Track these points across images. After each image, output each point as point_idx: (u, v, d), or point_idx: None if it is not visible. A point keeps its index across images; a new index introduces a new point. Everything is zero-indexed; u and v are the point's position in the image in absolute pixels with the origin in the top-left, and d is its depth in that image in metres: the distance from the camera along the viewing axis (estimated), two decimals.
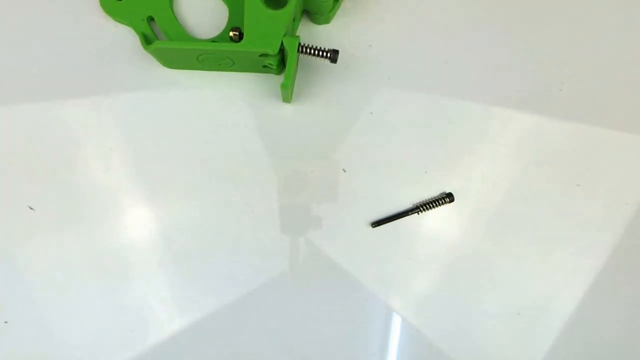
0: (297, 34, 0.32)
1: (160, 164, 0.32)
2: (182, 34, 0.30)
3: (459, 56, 0.33)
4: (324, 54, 0.29)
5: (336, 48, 0.29)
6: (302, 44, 0.28)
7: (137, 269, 0.31)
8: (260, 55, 0.28)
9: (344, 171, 0.32)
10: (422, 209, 0.32)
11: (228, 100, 0.32)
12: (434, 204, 0.32)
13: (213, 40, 0.30)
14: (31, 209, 0.31)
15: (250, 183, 0.32)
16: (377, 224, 0.32)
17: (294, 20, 0.30)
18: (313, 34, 0.32)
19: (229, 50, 0.28)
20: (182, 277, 0.32)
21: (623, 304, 0.33)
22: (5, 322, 0.31)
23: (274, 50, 0.28)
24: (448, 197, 0.32)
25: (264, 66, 0.30)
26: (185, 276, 0.32)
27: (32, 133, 0.31)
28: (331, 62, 0.29)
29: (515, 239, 0.33)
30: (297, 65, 0.30)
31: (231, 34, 0.29)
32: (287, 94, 0.30)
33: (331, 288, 0.32)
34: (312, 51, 0.29)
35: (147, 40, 0.30)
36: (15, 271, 0.31)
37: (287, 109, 0.32)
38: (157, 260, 0.31)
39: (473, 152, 0.33)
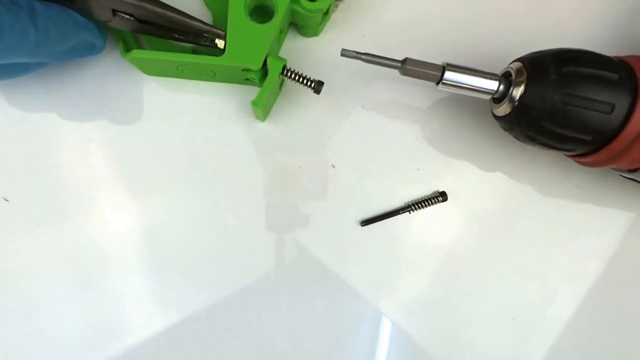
0: (284, 46, 0.31)
1: (142, 159, 0.31)
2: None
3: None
4: (309, 83, 0.28)
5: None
6: (287, 68, 0.27)
7: (114, 268, 0.31)
8: (242, 70, 0.27)
9: (333, 167, 0.31)
10: (413, 207, 0.31)
11: (215, 96, 0.31)
12: (427, 203, 0.31)
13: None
14: (6, 200, 0.30)
15: (235, 179, 0.31)
16: (366, 222, 0.31)
17: (280, 32, 0.29)
18: (300, 47, 0.31)
19: (209, 64, 0.27)
20: (161, 277, 0.31)
21: (621, 311, 0.33)
22: None
23: (256, 66, 0.27)
24: (441, 196, 0.31)
25: (247, 79, 0.29)
26: (164, 276, 0.31)
27: (8, 123, 0.30)
28: (315, 92, 0.28)
29: (511, 240, 0.32)
30: (278, 89, 0.30)
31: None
32: (258, 112, 0.29)
33: (318, 289, 0.32)
34: (297, 77, 0.28)
35: (126, 47, 0.28)
36: None
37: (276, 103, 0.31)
38: (136, 259, 0.31)
39: (468, 150, 0.32)
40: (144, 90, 0.31)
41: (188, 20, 0.26)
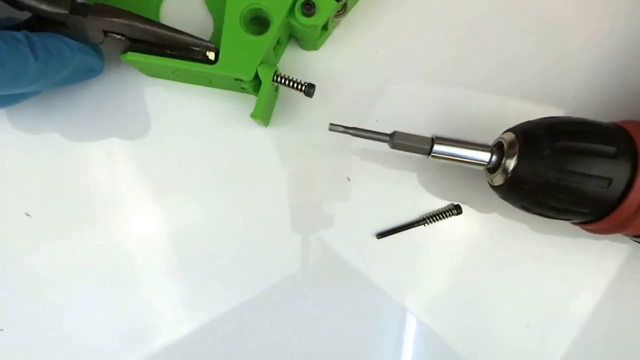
0: (282, 57, 0.32)
1: (161, 167, 0.32)
2: None
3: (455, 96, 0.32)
4: (300, 86, 0.28)
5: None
6: (278, 74, 0.28)
7: (141, 274, 0.32)
8: (235, 79, 0.28)
9: (349, 180, 0.32)
10: (428, 221, 0.31)
11: (227, 102, 0.32)
12: (441, 216, 0.31)
13: None
14: (27, 215, 0.31)
15: (255, 183, 0.32)
16: (382, 235, 0.31)
17: (279, 43, 0.30)
18: (299, 58, 0.32)
19: (201, 71, 0.28)
20: (188, 280, 0.32)
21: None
22: (1, 330, 0.31)
23: (247, 77, 0.27)
24: (456, 209, 0.31)
25: (242, 88, 0.30)
26: (191, 279, 0.32)
27: (28, 137, 0.31)
28: (306, 95, 0.28)
29: (530, 242, 0.32)
30: (274, 92, 0.30)
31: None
32: (258, 121, 0.29)
33: (342, 290, 0.32)
34: (288, 82, 0.28)
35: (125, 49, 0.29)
36: (11, 280, 0.31)
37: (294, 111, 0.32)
38: (161, 264, 0.32)
39: None
40: (151, 101, 0.32)
41: (178, 35, 0.27)
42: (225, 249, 0.32)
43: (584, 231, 0.31)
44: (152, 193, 0.32)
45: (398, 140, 0.26)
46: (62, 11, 0.25)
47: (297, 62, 0.32)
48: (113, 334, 0.31)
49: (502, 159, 0.25)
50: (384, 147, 0.31)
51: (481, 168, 0.26)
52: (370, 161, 0.32)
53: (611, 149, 0.23)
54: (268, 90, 0.28)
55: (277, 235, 0.32)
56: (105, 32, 0.27)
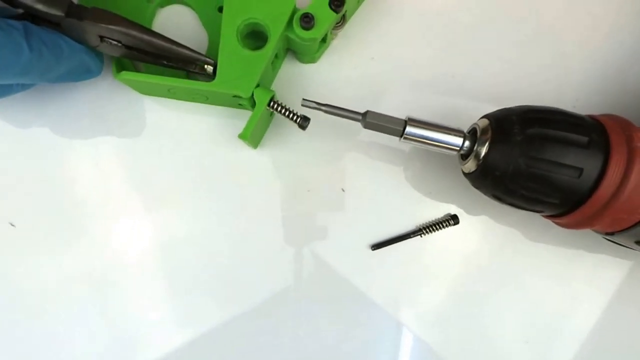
0: (280, 71, 0.31)
1: (156, 177, 0.31)
2: None
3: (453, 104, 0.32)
4: (295, 118, 0.28)
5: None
6: (274, 100, 0.27)
7: (130, 287, 0.31)
8: (233, 96, 0.27)
9: (343, 191, 0.32)
10: (425, 231, 0.31)
11: (228, 115, 0.31)
12: (438, 227, 0.31)
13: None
14: (12, 225, 0.31)
15: (249, 197, 0.32)
16: (377, 246, 0.31)
17: (276, 57, 0.29)
18: (297, 72, 0.32)
19: (198, 89, 0.27)
20: (180, 294, 0.31)
21: None
22: None
23: (246, 94, 0.27)
24: (453, 220, 0.31)
25: (240, 104, 0.29)
26: (183, 292, 0.31)
27: (13, 145, 0.31)
28: (300, 128, 0.28)
29: (528, 254, 0.32)
30: (269, 116, 0.30)
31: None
32: (249, 143, 0.29)
33: (335, 303, 0.32)
34: (283, 111, 0.28)
35: (119, 68, 0.28)
36: None
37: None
38: (152, 277, 0.31)
39: None
40: (145, 111, 0.31)
41: (175, 47, 0.27)
42: (218, 261, 0.31)
43: (584, 243, 0.31)
44: (143, 204, 0.31)
45: (371, 120, 0.25)
46: (58, 13, 0.25)
47: (294, 76, 0.31)
48: (100, 347, 0.31)
49: (474, 145, 0.25)
50: (379, 156, 0.31)
51: (454, 153, 0.26)
52: (365, 171, 0.32)
53: (583, 139, 0.23)
54: (261, 115, 0.27)
55: (270, 247, 0.31)
56: (102, 37, 0.26)
